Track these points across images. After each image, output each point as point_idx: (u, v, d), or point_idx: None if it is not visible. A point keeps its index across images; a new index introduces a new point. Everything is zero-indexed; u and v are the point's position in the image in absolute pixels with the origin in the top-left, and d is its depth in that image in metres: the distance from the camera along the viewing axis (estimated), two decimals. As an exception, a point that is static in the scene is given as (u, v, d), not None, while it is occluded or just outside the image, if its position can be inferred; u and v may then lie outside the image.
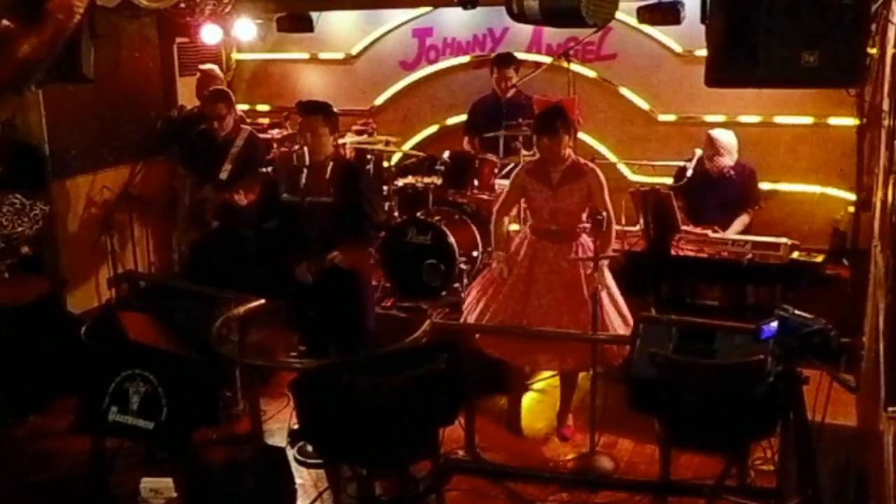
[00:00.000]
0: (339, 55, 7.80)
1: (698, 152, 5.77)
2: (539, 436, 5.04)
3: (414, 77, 7.58)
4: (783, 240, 5.10)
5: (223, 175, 5.80)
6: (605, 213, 4.61)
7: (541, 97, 6.49)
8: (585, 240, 4.86)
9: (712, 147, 5.75)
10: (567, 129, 4.78)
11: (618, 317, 4.81)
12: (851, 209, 6.05)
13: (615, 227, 4.92)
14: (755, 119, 6.51)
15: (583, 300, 4.70)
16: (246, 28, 7.36)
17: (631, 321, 4.70)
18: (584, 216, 4.86)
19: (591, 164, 4.93)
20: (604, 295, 4.73)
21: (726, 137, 5.78)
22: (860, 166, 5.84)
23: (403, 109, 7.69)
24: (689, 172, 5.72)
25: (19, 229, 5.73)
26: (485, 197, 6.12)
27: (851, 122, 5.99)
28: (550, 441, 4.97)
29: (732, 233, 5.59)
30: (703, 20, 4.00)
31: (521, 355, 4.92)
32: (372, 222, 4.86)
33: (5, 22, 4.15)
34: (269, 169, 5.85)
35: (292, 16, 7.34)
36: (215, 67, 7.24)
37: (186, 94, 7.20)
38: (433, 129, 7.56)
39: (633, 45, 6.82)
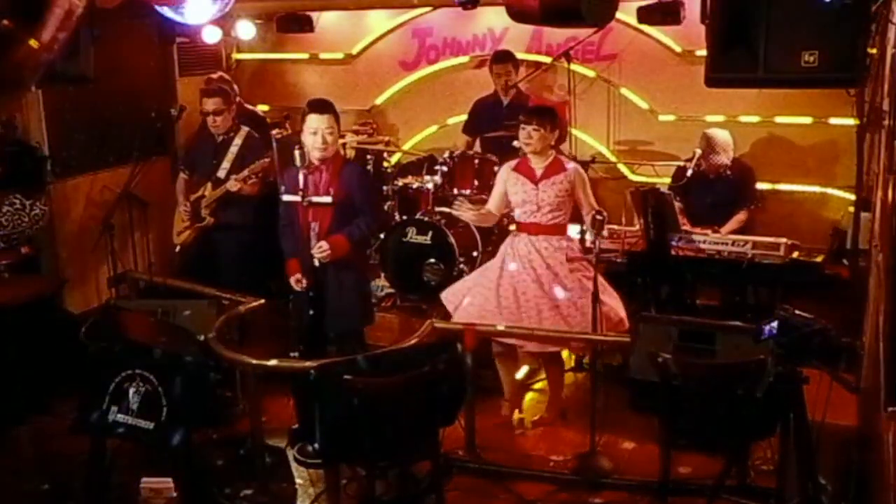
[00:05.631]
0: (339, 55, 7.80)
1: (698, 152, 5.78)
2: (539, 436, 5.04)
3: (414, 77, 7.59)
4: (783, 240, 5.11)
5: (221, 174, 5.79)
6: (604, 213, 4.65)
7: (536, 97, 6.53)
8: (571, 238, 4.98)
9: (709, 145, 5.76)
10: (553, 126, 4.90)
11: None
12: (851, 209, 6.05)
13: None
14: (755, 119, 6.50)
15: (570, 295, 4.80)
16: (246, 28, 7.36)
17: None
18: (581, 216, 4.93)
19: (573, 163, 5.12)
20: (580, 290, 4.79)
21: (722, 135, 5.81)
22: (860, 166, 5.83)
23: (403, 109, 7.70)
24: (689, 172, 5.73)
25: (19, 229, 5.73)
26: (485, 197, 6.09)
27: (851, 122, 5.98)
28: (551, 441, 4.97)
29: (728, 230, 5.60)
30: (703, 20, 4.01)
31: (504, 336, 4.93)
32: (372, 223, 4.85)
33: (5, 22, 4.14)
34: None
35: (292, 16, 7.35)
36: (224, 75, 7.10)
37: (187, 94, 7.18)
38: (433, 129, 7.57)
39: (633, 45, 6.82)
